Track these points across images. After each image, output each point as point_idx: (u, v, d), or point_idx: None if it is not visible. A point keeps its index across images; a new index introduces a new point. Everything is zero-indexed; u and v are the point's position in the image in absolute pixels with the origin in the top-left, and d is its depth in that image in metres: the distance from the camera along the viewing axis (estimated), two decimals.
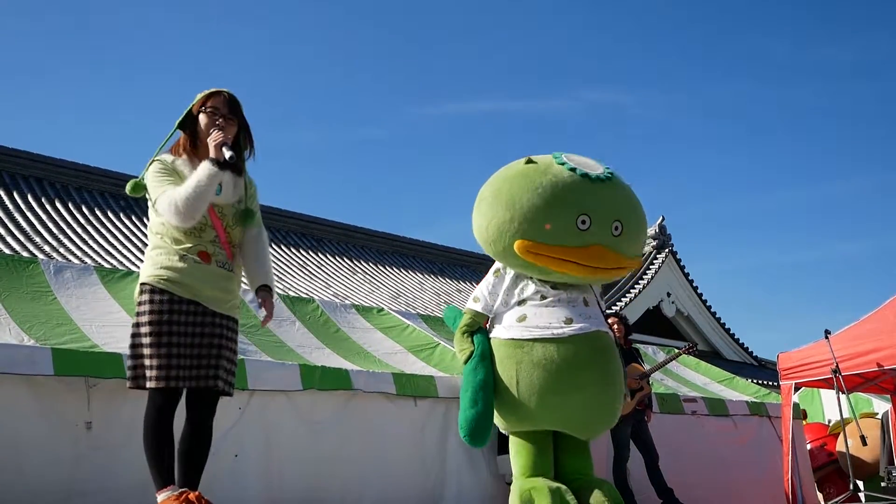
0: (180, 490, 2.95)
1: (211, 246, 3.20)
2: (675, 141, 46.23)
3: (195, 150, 3.27)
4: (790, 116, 45.12)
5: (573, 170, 3.74)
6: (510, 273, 3.92)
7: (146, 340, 3.05)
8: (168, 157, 3.27)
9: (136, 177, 3.33)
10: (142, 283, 3.14)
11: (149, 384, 3.04)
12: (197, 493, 3.01)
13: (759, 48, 44.49)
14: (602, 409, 3.71)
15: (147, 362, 3.05)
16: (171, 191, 3.08)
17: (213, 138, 3.12)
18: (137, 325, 3.11)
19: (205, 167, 3.06)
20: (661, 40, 46.47)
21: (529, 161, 3.83)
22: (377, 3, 45.05)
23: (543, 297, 3.80)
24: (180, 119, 3.30)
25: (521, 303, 3.84)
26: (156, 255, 3.17)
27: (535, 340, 3.70)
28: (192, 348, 3.08)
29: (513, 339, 3.76)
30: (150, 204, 3.22)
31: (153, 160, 3.24)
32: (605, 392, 3.69)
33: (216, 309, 3.17)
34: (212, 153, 3.10)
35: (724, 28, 45.57)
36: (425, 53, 47.54)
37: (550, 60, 47.83)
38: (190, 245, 3.16)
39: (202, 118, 3.23)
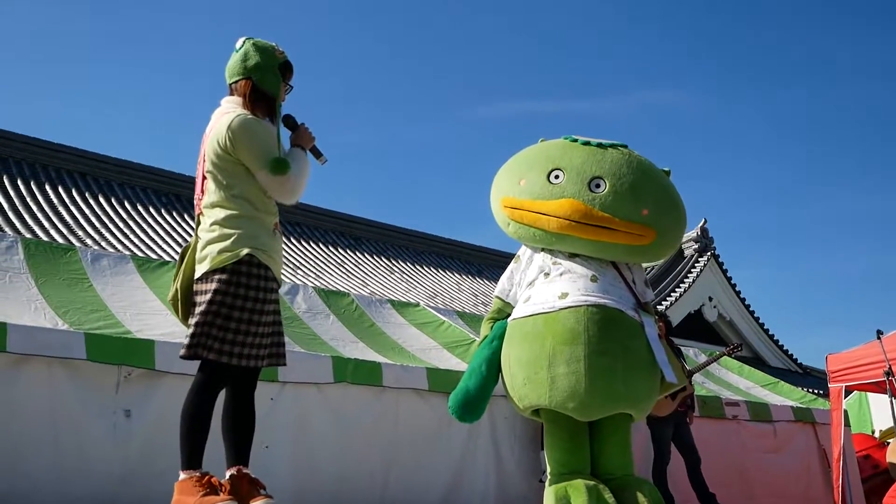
0: (203, 473, 2.87)
1: (277, 216, 3.19)
2: (726, 144, 45.60)
3: (253, 105, 3.14)
4: (848, 123, 44.06)
5: (566, 138, 3.86)
6: (526, 256, 3.88)
7: (237, 314, 2.91)
8: (255, 117, 3.10)
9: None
10: (242, 252, 2.94)
11: (222, 358, 2.90)
12: (247, 471, 2.96)
13: (822, 52, 43.48)
14: (595, 386, 3.42)
15: (228, 336, 2.90)
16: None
17: (311, 137, 3.25)
18: (226, 293, 2.91)
19: (307, 159, 3.19)
20: (719, 42, 45.76)
21: (543, 141, 4.01)
22: (431, 1, 45.05)
23: (546, 275, 3.71)
24: (268, 72, 3.15)
25: (530, 284, 3.76)
26: (245, 223, 2.99)
27: (529, 317, 3.61)
28: (269, 326, 3.03)
29: (515, 318, 3.70)
30: (252, 166, 3.01)
31: (248, 116, 3.05)
32: (600, 368, 3.42)
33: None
34: (306, 146, 3.22)
35: (788, 31, 44.67)
36: (479, 53, 47.44)
37: (607, 61, 47.47)
38: (273, 216, 3.12)
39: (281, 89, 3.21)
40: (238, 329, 2.92)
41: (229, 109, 3.10)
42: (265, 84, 3.13)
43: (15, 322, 4.69)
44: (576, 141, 3.84)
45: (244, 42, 3.18)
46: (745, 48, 46.05)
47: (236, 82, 3.15)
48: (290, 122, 3.28)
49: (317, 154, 3.32)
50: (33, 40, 40.67)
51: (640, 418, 3.82)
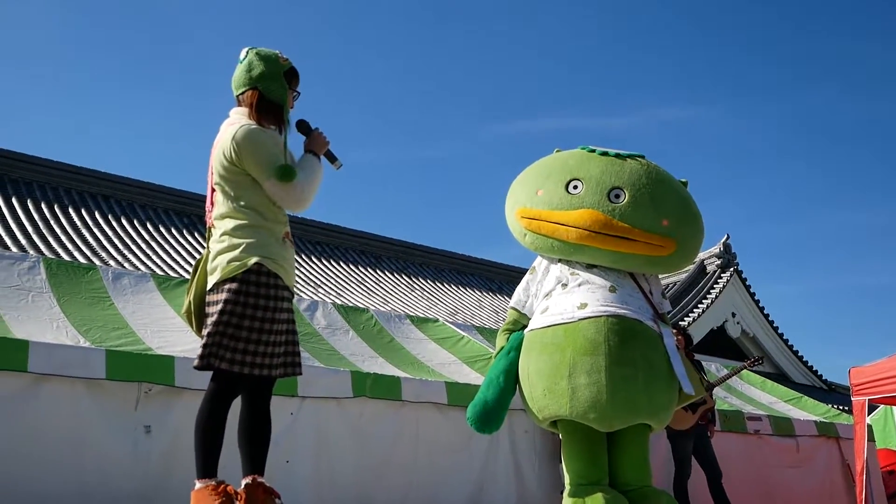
0: (219, 481, 2.88)
1: (287, 225, 3.20)
2: (746, 159, 45.25)
3: (259, 114, 3.14)
4: (872, 134, 43.47)
5: (583, 148, 3.86)
6: (542, 268, 3.87)
7: (248, 323, 2.92)
8: (259, 127, 3.10)
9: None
10: (250, 262, 2.95)
11: (234, 368, 2.91)
12: (262, 480, 2.97)
13: (843, 62, 43.04)
14: (617, 396, 3.40)
15: (240, 345, 2.91)
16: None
17: (326, 142, 3.25)
18: (236, 303, 2.92)
19: (320, 166, 3.18)
20: (733, 55, 45.56)
21: (558, 151, 4.01)
22: (446, 20, 45.23)
23: (564, 286, 3.69)
24: (275, 80, 3.15)
25: (547, 295, 3.75)
26: (254, 233, 3.00)
27: (547, 327, 3.59)
28: (282, 335, 3.04)
29: (532, 329, 3.69)
30: (259, 176, 3.02)
31: (252, 127, 3.06)
32: (621, 378, 3.41)
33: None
34: (319, 151, 3.22)
35: (806, 41, 44.28)
36: (497, 72, 47.52)
37: (624, 77, 47.32)
38: (282, 225, 3.13)
39: (288, 96, 3.21)
40: (249, 338, 2.92)
41: (235, 121, 3.11)
42: (271, 93, 3.13)
43: (37, 340, 4.75)
44: (593, 151, 3.83)
45: (247, 52, 3.19)
46: (762, 60, 45.87)
47: (243, 93, 3.16)
48: (303, 127, 3.28)
49: (331, 158, 3.31)
50: (56, 64, 41.36)
51: (659, 429, 3.79)
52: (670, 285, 20.95)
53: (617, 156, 3.78)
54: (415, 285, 19.91)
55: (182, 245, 16.57)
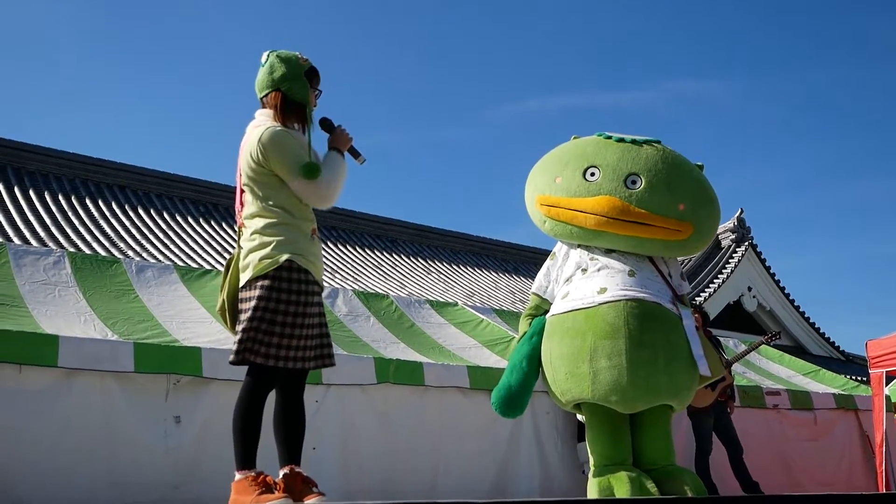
0: (258, 472, 2.96)
1: (314, 222, 3.27)
2: (760, 130, 44.82)
3: (284, 115, 3.22)
4: (888, 103, 42.82)
5: (600, 135, 3.93)
6: (562, 253, 3.94)
7: (281, 318, 3.00)
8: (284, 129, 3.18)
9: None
10: (282, 259, 3.02)
11: (269, 362, 2.99)
12: (300, 469, 3.05)
13: (858, 30, 42.38)
14: (637, 379, 3.48)
15: (274, 340, 2.99)
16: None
17: (349, 138, 3.34)
18: (269, 299, 2.99)
19: (344, 163, 3.27)
20: (741, 26, 44.99)
21: (575, 138, 4.07)
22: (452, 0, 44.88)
23: (584, 271, 3.76)
24: (297, 81, 3.23)
25: (567, 280, 3.82)
26: (284, 230, 3.08)
27: (568, 312, 3.66)
28: (314, 328, 3.12)
29: (554, 314, 3.76)
30: (285, 176, 3.10)
31: (277, 129, 3.13)
32: (641, 361, 3.48)
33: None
34: (343, 147, 3.30)
35: (818, 9, 43.62)
36: (506, 50, 47.19)
37: (636, 51, 46.81)
38: (310, 222, 3.21)
39: (310, 95, 3.28)
40: (283, 333, 3.00)
41: (261, 122, 3.19)
42: (294, 93, 3.22)
43: (66, 334, 4.85)
44: (610, 138, 3.89)
45: (268, 55, 3.27)
46: (774, 30, 45.29)
47: (266, 95, 3.25)
48: (326, 125, 3.35)
49: (355, 154, 3.39)
50: (68, 54, 41.49)
51: (681, 409, 3.86)
52: (685, 261, 20.93)
53: (633, 142, 3.83)
54: (431, 268, 19.98)
55: (199, 233, 16.68)
